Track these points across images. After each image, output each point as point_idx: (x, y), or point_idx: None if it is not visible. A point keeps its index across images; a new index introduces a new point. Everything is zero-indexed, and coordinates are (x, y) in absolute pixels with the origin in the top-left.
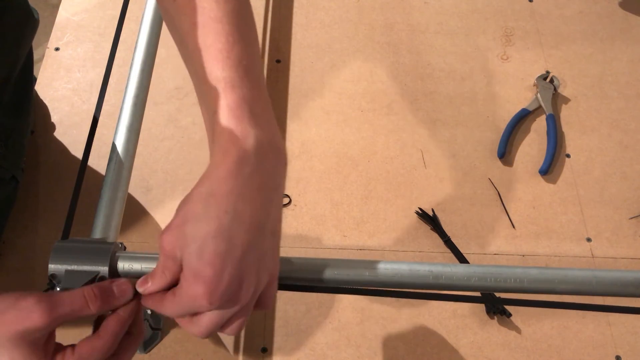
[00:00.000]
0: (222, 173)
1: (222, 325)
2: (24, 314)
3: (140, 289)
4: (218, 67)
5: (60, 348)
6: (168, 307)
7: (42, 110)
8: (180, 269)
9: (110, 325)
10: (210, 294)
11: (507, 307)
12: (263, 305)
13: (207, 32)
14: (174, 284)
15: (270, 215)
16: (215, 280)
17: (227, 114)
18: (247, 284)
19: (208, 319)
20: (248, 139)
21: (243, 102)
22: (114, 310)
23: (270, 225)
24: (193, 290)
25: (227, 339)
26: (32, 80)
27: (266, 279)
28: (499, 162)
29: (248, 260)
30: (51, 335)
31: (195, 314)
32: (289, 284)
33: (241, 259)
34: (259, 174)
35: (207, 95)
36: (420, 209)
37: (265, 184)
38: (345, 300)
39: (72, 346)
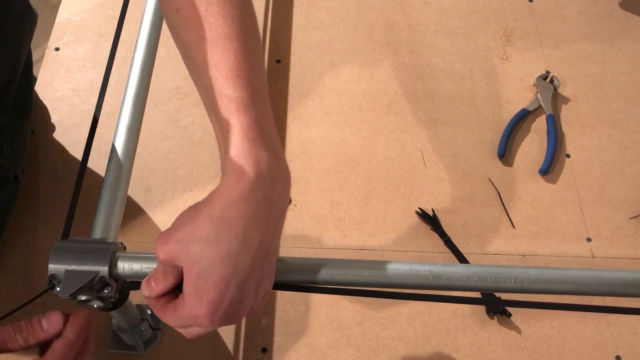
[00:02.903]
0: (235, 196)
1: None
2: None
3: (146, 292)
4: (229, 86)
5: None
6: (169, 318)
7: (42, 111)
8: (181, 274)
9: (57, 348)
10: (212, 314)
11: (507, 307)
12: (252, 313)
13: (215, 48)
14: (175, 287)
15: (275, 237)
16: (218, 302)
17: (240, 136)
18: (245, 304)
19: (202, 330)
20: (262, 164)
21: (255, 123)
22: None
23: (273, 247)
24: (196, 310)
25: (227, 339)
26: (33, 80)
27: (261, 295)
28: (499, 162)
29: (250, 283)
30: None
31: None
32: (288, 284)
33: (244, 282)
34: (270, 199)
35: (218, 113)
36: (420, 209)
37: (274, 208)
38: (345, 300)
39: None
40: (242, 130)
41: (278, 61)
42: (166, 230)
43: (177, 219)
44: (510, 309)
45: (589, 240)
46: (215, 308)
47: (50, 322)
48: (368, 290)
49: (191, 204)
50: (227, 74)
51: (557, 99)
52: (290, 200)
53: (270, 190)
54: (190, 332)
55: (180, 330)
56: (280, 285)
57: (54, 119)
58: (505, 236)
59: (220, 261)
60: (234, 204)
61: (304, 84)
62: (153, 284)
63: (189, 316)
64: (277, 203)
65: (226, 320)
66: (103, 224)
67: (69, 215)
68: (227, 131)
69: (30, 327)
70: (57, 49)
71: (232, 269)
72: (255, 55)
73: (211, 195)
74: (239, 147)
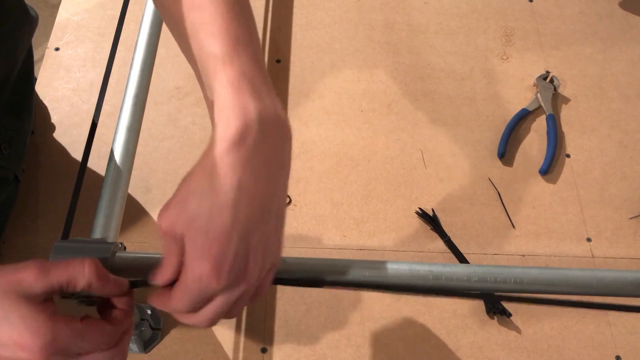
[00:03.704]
0: (224, 146)
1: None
2: (19, 267)
3: (154, 282)
4: (216, 44)
5: (64, 316)
6: (176, 298)
7: (42, 111)
8: (184, 251)
9: (118, 315)
10: (218, 271)
11: (507, 307)
12: (259, 292)
13: (204, 12)
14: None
15: (277, 194)
16: (222, 255)
17: (227, 88)
18: (252, 263)
19: (214, 305)
20: (250, 111)
21: (242, 76)
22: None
23: (275, 205)
24: (199, 269)
25: (227, 339)
26: (33, 80)
27: (269, 263)
28: (499, 162)
29: (254, 238)
30: (50, 299)
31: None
32: (288, 279)
33: (247, 234)
34: (263, 147)
35: (206, 73)
36: (420, 209)
37: (270, 158)
38: (346, 300)
39: (80, 318)
40: (228, 83)
41: (278, 61)
42: (166, 202)
43: (176, 189)
44: (510, 309)
45: (589, 240)
46: (219, 262)
47: (118, 281)
48: (366, 284)
49: None
50: (213, 32)
51: (557, 99)
52: (290, 200)
53: (260, 138)
54: (204, 315)
55: (193, 318)
56: (280, 280)
57: (54, 119)
58: (505, 236)
59: (219, 211)
60: (224, 153)
61: (304, 84)
62: (159, 271)
63: (194, 281)
64: (272, 153)
65: (235, 280)
66: (103, 224)
67: (69, 215)
68: (214, 88)
69: (103, 272)
70: (57, 49)
71: (232, 219)
72: (246, 14)
73: (203, 152)
74: (224, 99)
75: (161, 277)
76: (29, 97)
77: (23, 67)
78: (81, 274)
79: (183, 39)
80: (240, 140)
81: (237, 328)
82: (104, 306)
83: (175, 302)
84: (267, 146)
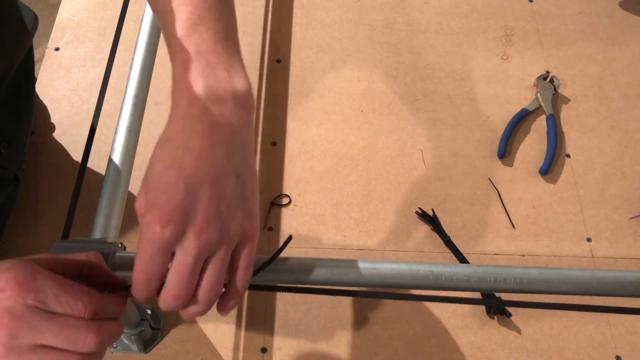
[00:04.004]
0: (173, 118)
1: (217, 302)
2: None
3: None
4: (177, 25)
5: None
6: (136, 266)
7: (41, 111)
8: None
9: (106, 297)
10: (160, 215)
11: (507, 307)
12: (237, 271)
13: None
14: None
15: (232, 156)
16: (165, 202)
17: (180, 69)
18: (203, 217)
19: (175, 269)
20: (196, 86)
21: (198, 55)
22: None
23: (232, 167)
24: (147, 219)
25: (227, 339)
26: (34, 80)
27: (237, 231)
28: (499, 162)
29: (204, 192)
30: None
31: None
32: (287, 286)
33: (195, 188)
34: (210, 115)
35: (171, 55)
36: (420, 209)
37: (219, 124)
38: (346, 300)
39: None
40: (182, 64)
41: (278, 61)
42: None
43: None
44: (510, 309)
45: (589, 240)
46: (162, 208)
47: (116, 278)
48: (368, 292)
49: None
50: (179, 16)
51: (557, 99)
52: (290, 200)
53: (209, 107)
54: (196, 304)
55: (187, 312)
56: (279, 287)
57: (54, 119)
58: (505, 236)
59: (165, 170)
60: (173, 125)
61: (304, 84)
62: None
63: (145, 231)
64: (222, 120)
65: (184, 233)
66: (103, 224)
67: (69, 215)
68: (173, 70)
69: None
70: (57, 49)
71: (178, 172)
72: None
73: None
74: (175, 79)
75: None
76: (29, 97)
77: (23, 66)
78: (83, 255)
79: (159, 18)
80: (186, 111)
81: (237, 328)
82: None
83: (135, 272)
84: (215, 115)
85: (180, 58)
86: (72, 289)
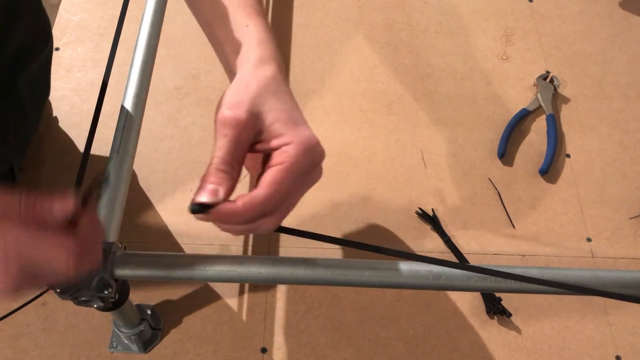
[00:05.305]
0: (274, 66)
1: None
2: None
3: (209, 199)
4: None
5: None
6: (286, 182)
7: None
8: (246, 149)
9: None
10: (318, 138)
11: (507, 307)
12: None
13: None
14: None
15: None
16: (321, 152)
17: (263, 29)
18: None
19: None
20: (279, 55)
21: (269, 28)
22: None
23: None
24: (312, 138)
25: (227, 339)
26: (49, 81)
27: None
28: (499, 162)
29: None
30: None
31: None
32: (293, 229)
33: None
34: (285, 80)
35: (234, 14)
36: (420, 209)
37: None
38: (345, 300)
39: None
40: (262, 26)
41: None
42: (227, 106)
43: (224, 100)
44: (510, 309)
45: (589, 240)
46: (321, 153)
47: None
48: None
49: None
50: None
51: (557, 99)
52: None
53: (287, 76)
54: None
55: (264, 223)
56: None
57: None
58: (505, 236)
59: (298, 109)
60: (275, 72)
61: (304, 84)
62: (212, 186)
63: (308, 148)
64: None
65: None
66: (103, 224)
67: None
68: (247, 26)
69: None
70: (57, 49)
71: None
72: None
73: (243, 70)
74: (263, 35)
75: (218, 194)
76: (43, 97)
77: (43, 66)
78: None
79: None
80: (280, 67)
81: (237, 328)
82: None
83: (282, 186)
84: (285, 77)
85: (259, 21)
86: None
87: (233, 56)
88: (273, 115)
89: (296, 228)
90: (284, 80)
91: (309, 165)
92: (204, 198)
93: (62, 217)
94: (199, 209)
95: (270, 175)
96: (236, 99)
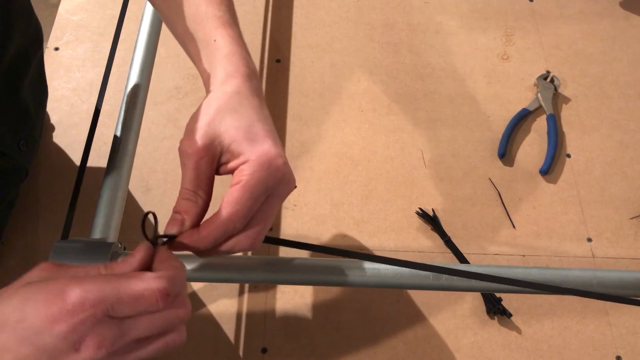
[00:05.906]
0: (239, 80)
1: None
2: None
3: (174, 230)
4: (214, 8)
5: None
6: (244, 195)
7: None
8: (212, 179)
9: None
10: (278, 151)
11: (507, 307)
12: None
13: None
14: (207, 191)
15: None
16: (277, 144)
17: (229, 41)
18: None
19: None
20: (250, 63)
21: (238, 36)
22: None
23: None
24: (269, 152)
25: (227, 338)
26: (46, 81)
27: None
28: (499, 162)
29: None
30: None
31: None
32: (287, 240)
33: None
34: (260, 92)
35: (204, 31)
36: (420, 209)
37: (262, 101)
38: (345, 300)
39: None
40: (230, 38)
41: (278, 61)
42: (186, 135)
43: (186, 127)
44: (510, 309)
45: (589, 240)
46: (278, 146)
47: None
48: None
49: None
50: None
51: (557, 99)
52: (290, 201)
53: (259, 85)
54: (263, 218)
55: (241, 241)
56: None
57: (54, 119)
58: (505, 236)
59: (263, 120)
60: (241, 84)
61: (304, 84)
62: (180, 215)
63: (267, 164)
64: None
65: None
66: (103, 224)
67: (68, 215)
68: (215, 40)
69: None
70: (56, 49)
71: (272, 127)
72: None
73: (212, 88)
74: (229, 48)
75: (183, 223)
76: (44, 99)
77: (40, 67)
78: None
79: (172, 6)
80: (249, 79)
81: (237, 328)
82: None
83: (239, 204)
84: (260, 92)
85: (226, 33)
86: (129, 284)
87: (205, 75)
88: (230, 135)
89: (283, 238)
90: (250, 91)
91: (267, 179)
92: (174, 230)
93: (138, 265)
94: (165, 241)
95: (228, 196)
96: (193, 125)
